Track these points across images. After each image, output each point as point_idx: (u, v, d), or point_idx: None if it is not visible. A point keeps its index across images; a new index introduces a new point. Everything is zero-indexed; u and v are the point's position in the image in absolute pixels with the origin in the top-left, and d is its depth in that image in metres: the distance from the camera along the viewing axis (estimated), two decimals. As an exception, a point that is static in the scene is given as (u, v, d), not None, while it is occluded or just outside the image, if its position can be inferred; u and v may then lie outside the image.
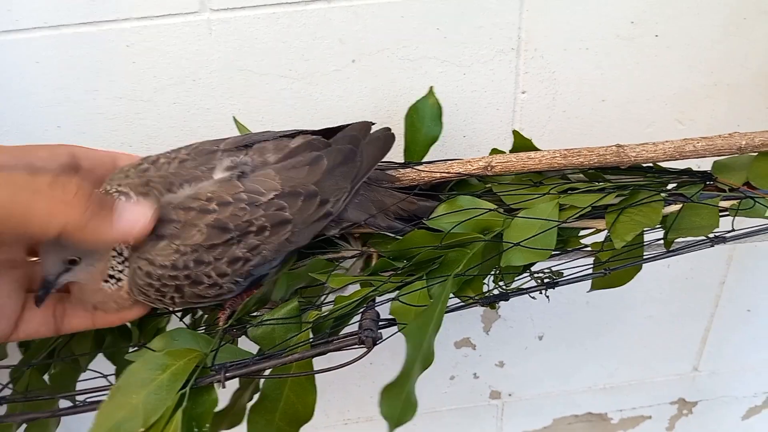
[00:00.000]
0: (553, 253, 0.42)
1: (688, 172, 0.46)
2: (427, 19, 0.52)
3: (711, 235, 0.42)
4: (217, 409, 0.36)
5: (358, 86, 0.54)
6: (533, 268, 0.43)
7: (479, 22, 0.52)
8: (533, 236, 0.41)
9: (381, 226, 0.43)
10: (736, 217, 0.42)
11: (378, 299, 0.40)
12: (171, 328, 0.41)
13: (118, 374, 0.42)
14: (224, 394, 0.37)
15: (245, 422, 0.38)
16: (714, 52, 0.56)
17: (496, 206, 0.43)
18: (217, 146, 0.40)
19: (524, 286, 0.42)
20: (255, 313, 0.41)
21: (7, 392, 0.44)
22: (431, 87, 0.51)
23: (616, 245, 0.40)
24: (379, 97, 0.55)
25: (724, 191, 0.44)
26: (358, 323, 0.38)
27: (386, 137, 0.45)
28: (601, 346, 0.76)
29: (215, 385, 0.36)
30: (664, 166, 0.47)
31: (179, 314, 0.45)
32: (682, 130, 0.60)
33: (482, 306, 0.41)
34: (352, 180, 0.41)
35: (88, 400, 0.39)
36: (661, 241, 0.44)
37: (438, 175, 0.45)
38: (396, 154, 0.50)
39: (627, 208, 0.42)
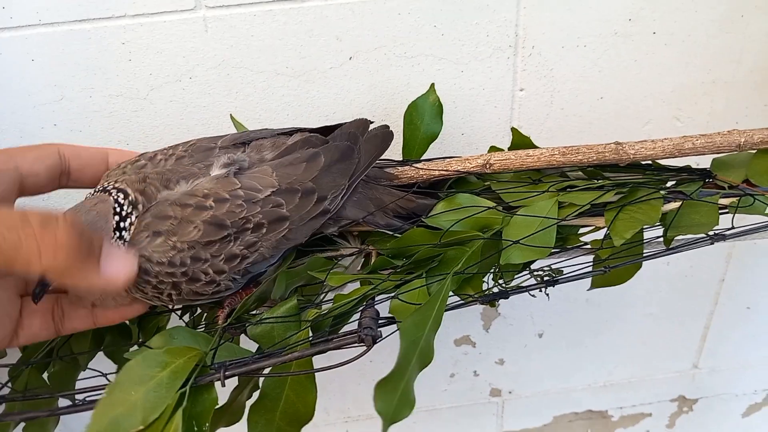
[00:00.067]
0: (553, 250, 0.41)
1: (687, 169, 0.46)
2: (424, 17, 0.52)
3: (711, 233, 0.42)
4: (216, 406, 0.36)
5: (355, 83, 0.54)
6: (533, 266, 0.43)
7: (476, 20, 0.52)
8: (532, 234, 0.41)
9: (380, 224, 0.43)
10: (735, 215, 0.42)
11: (377, 297, 0.40)
12: (170, 326, 0.41)
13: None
14: (222, 391, 0.37)
15: (244, 421, 0.38)
16: (711, 49, 0.56)
17: (495, 204, 0.43)
18: (214, 143, 0.40)
19: (524, 284, 0.42)
20: (254, 312, 0.41)
21: (5, 391, 0.43)
22: (432, 84, 0.51)
23: (616, 243, 0.40)
24: (376, 94, 0.55)
25: (724, 188, 0.44)
26: (357, 321, 0.38)
27: (384, 134, 0.44)
28: (600, 343, 0.76)
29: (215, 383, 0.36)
30: (662, 163, 0.46)
31: (179, 312, 0.45)
32: (680, 127, 0.60)
33: (482, 304, 0.41)
34: (349, 177, 0.41)
35: (87, 398, 0.38)
36: (661, 239, 0.43)
37: (437, 173, 0.45)
38: (394, 151, 0.50)
39: (626, 205, 0.42)
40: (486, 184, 0.46)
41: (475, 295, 0.41)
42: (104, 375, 0.41)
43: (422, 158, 0.49)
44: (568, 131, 0.59)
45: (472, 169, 0.45)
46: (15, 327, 0.38)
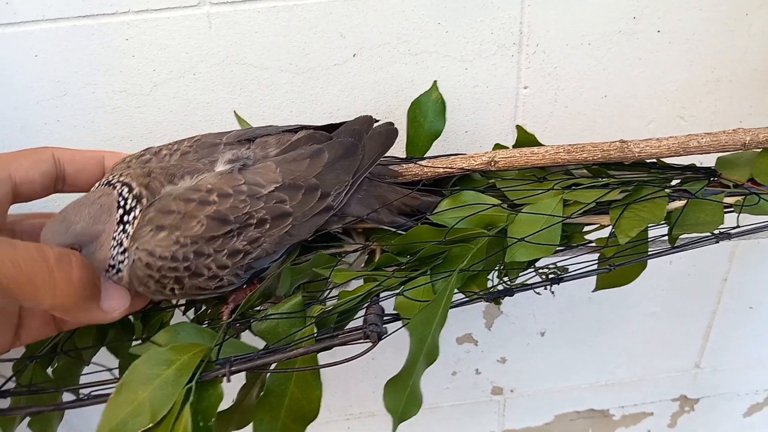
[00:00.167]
0: (558, 248, 0.41)
1: (692, 168, 0.46)
2: (428, 14, 0.51)
3: (716, 232, 0.42)
4: (224, 408, 0.36)
5: (359, 81, 0.54)
6: (537, 264, 0.43)
7: (481, 17, 0.52)
8: (537, 232, 0.41)
9: (384, 221, 0.43)
10: (740, 214, 0.42)
11: (381, 294, 0.40)
12: (174, 322, 0.41)
13: (121, 368, 0.42)
14: (229, 393, 0.37)
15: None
16: (715, 48, 0.56)
17: (499, 201, 0.43)
18: (219, 139, 0.40)
19: (529, 282, 0.42)
20: (259, 308, 0.41)
21: (11, 385, 0.43)
22: (435, 81, 0.51)
23: (621, 241, 0.40)
24: (380, 91, 0.55)
25: (729, 187, 0.44)
26: (362, 318, 0.38)
27: (389, 132, 0.44)
28: (602, 342, 0.76)
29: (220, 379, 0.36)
30: (667, 162, 0.46)
31: (182, 308, 0.45)
32: (684, 125, 0.60)
33: (487, 301, 0.41)
34: (353, 174, 0.41)
35: (92, 393, 0.38)
36: (665, 237, 0.43)
37: (441, 170, 0.45)
38: (398, 149, 0.50)
39: (631, 204, 0.42)
40: (491, 181, 0.46)
41: (480, 293, 0.41)
42: (109, 369, 0.41)
43: (426, 155, 0.49)
44: (571, 129, 0.59)
45: (476, 167, 0.45)
46: (16, 330, 0.38)
